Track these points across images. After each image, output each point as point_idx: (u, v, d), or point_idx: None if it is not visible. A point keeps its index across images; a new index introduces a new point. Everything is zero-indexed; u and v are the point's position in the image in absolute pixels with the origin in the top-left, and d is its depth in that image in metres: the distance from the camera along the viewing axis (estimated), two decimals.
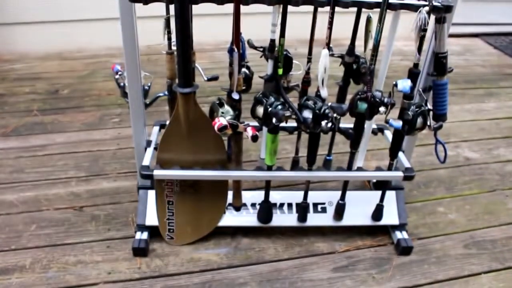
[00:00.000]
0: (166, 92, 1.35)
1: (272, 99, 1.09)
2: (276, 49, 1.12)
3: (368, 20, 1.22)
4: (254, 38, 1.26)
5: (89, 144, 1.85)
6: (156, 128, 1.46)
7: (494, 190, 1.73)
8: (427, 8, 1.07)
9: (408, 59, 2.66)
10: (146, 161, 1.27)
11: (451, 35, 2.49)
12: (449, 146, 1.97)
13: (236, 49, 1.07)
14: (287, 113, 1.06)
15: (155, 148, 1.33)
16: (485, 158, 1.93)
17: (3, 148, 1.82)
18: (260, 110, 1.10)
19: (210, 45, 2.76)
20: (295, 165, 1.43)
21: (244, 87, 1.23)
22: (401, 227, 1.41)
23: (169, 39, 1.26)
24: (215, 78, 1.36)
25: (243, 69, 1.25)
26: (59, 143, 1.86)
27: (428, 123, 1.19)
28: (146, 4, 1.02)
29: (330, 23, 1.08)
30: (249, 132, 1.07)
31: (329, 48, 1.16)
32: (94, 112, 2.08)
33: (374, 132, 1.51)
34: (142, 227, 1.35)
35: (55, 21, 2.70)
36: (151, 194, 1.34)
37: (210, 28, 2.47)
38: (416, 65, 1.16)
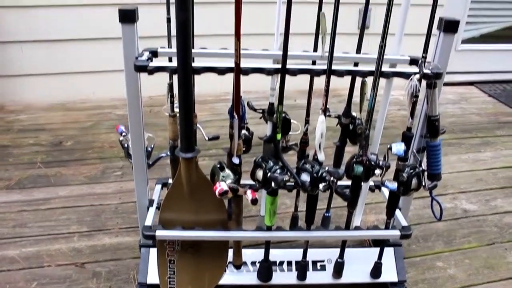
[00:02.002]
0: (168, 153, 1.39)
1: (271, 163, 1.13)
2: (275, 116, 1.16)
3: (363, 83, 1.28)
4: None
5: (92, 198, 1.87)
6: (158, 187, 1.49)
7: (493, 243, 1.74)
8: (418, 76, 1.13)
9: (405, 109, 2.72)
10: (149, 221, 1.29)
11: (446, 84, 2.57)
12: (446, 198, 2.00)
13: (236, 116, 1.11)
14: (286, 178, 1.10)
15: (157, 208, 1.36)
16: (483, 209, 1.95)
17: (6, 202, 1.84)
18: (259, 174, 1.14)
19: (211, 96, 2.84)
20: (294, 223, 1.46)
21: (244, 148, 1.28)
22: (400, 284, 1.42)
23: (172, 102, 1.31)
24: (216, 138, 1.41)
25: (243, 131, 1.30)
26: (62, 197, 1.88)
27: (423, 184, 1.22)
28: (150, 74, 1.08)
29: (326, 90, 1.13)
30: (249, 195, 1.10)
31: (326, 111, 1.21)
32: (97, 165, 2.12)
33: (372, 189, 1.54)
34: (143, 285, 1.36)
35: (60, 73, 2.78)
36: (153, 252, 1.36)
37: (211, 80, 2.54)
38: (409, 129, 1.20)
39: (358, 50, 1.30)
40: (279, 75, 1.12)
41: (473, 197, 2.03)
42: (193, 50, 1.09)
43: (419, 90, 1.13)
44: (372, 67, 1.12)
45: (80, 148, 2.28)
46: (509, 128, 2.79)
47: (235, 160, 1.15)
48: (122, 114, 2.62)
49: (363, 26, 1.31)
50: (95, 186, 1.96)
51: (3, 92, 2.78)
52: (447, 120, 2.81)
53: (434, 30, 1.15)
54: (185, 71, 1.01)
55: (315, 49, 1.26)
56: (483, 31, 3.53)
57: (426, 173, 1.23)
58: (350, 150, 1.35)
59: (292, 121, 1.36)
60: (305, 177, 1.13)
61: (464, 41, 3.47)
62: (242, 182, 1.19)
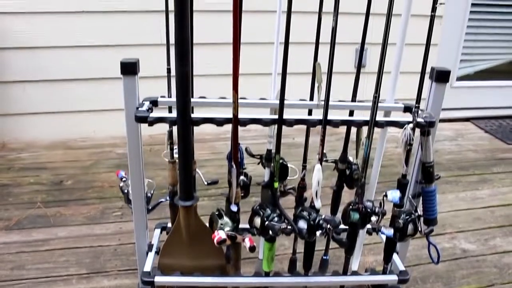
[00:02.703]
0: (168, 198, 1.41)
1: (268, 211, 1.15)
2: (272, 164, 1.18)
3: (359, 129, 1.31)
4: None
5: (91, 239, 1.88)
6: (158, 231, 1.50)
7: (493, 285, 1.74)
8: (411, 125, 1.16)
9: None
10: (148, 266, 1.30)
11: (443, 120, 2.60)
12: (445, 237, 2.00)
13: (234, 166, 1.13)
14: (283, 226, 1.11)
15: (157, 252, 1.37)
16: (482, 249, 1.95)
17: (5, 242, 1.84)
18: (257, 221, 1.16)
19: (210, 135, 2.87)
20: (292, 266, 1.46)
21: (242, 194, 1.30)
22: None
23: (171, 149, 1.33)
24: (214, 183, 1.43)
25: (241, 177, 1.32)
26: (61, 238, 1.89)
27: (419, 229, 1.24)
28: (151, 126, 1.11)
29: (322, 140, 1.15)
30: (247, 243, 1.11)
31: (322, 157, 1.23)
32: (97, 205, 2.13)
33: (369, 232, 1.55)
34: None
35: (61, 111, 2.83)
36: None
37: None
38: (404, 176, 1.23)
39: (354, 95, 1.33)
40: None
41: (472, 236, 2.04)
42: (192, 100, 1.13)
43: (413, 139, 1.16)
44: (367, 112, 1.15)
45: (80, 187, 2.30)
46: (506, 164, 2.81)
47: (233, 208, 1.17)
48: (122, 153, 2.65)
49: (359, 67, 1.33)
50: (95, 226, 1.97)
51: (5, 130, 2.81)
52: (444, 157, 2.84)
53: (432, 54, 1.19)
54: (185, 125, 1.04)
55: (311, 97, 1.30)
56: (477, 68, 3.60)
57: (422, 218, 1.25)
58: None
59: (289, 166, 1.38)
60: (302, 225, 1.14)
61: (459, 78, 3.54)
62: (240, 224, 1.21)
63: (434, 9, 1.06)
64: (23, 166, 2.53)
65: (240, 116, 1.10)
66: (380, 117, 1.21)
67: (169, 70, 1.28)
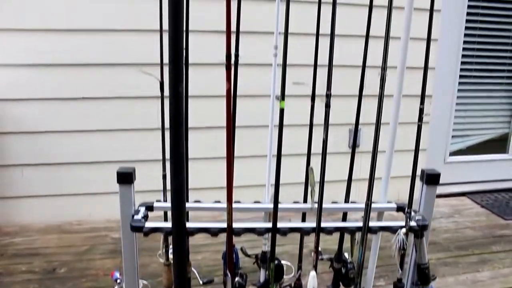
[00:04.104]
0: None
1: None
2: (267, 272, 1.18)
3: (353, 235, 1.32)
4: None
5: None
6: None
7: None
8: (404, 230, 1.17)
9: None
10: None
11: (438, 196, 2.59)
12: None
13: (229, 274, 1.13)
14: None
15: None
16: None
17: None
18: None
19: (207, 218, 2.86)
20: None
21: None
22: None
23: (167, 252, 1.33)
24: (210, 281, 1.41)
25: (237, 278, 1.31)
26: None
27: None
28: (146, 236, 1.11)
29: (316, 247, 1.16)
30: None
31: (318, 254, 1.23)
32: None
33: None
34: None
35: (57, 194, 2.83)
36: None
37: (207, 197, 2.61)
38: (399, 280, 1.22)
39: (348, 195, 1.35)
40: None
41: None
42: (187, 205, 1.14)
43: (406, 244, 1.17)
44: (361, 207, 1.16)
45: (73, 276, 2.25)
46: (505, 242, 2.79)
47: None
48: (118, 237, 2.62)
49: (351, 170, 1.37)
50: None
51: (0, 213, 2.80)
52: (442, 236, 2.82)
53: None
54: (180, 235, 1.05)
55: (305, 199, 1.32)
56: (469, 144, 3.67)
57: None
58: None
59: (284, 264, 1.37)
60: None
61: (452, 153, 3.59)
62: None
63: (420, 119, 1.10)
64: (16, 252, 2.49)
65: (234, 219, 1.11)
66: (373, 221, 1.22)
67: (164, 176, 1.30)
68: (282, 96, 0.95)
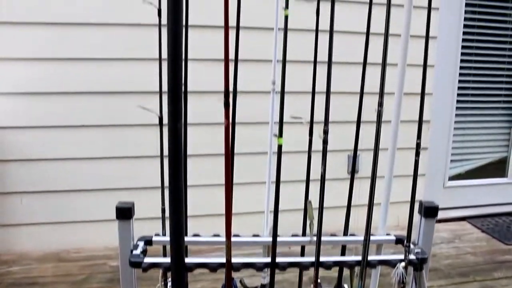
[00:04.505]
0: None
1: None
2: None
3: (352, 270, 1.31)
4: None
5: None
6: None
7: None
8: (403, 264, 1.16)
9: None
10: None
11: (438, 221, 2.57)
12: None
13: None
14: None
15: None
16: None
17: None
18: None
19: (205, 246, 2.84)
20: None
21: None
22: None
23: (165, 285, 1.32)
24: None
25: None
26: None
27: None
28: (145, 272, 1.11)
29: (315, 281, 1.15)
30: None
31: (318, 286, 1.22)
32: None
33: None
34: None
35: (56, 222, 2.82)
36: None
37: (204, 225, 2.60)
38: None
39: (346, 227, 1.35)
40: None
41: None
42: (186, 239, 1.14)
43: (405, 278, 1.16)
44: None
45: None
46: (507, 268, 2.76)
47: None
48: (116, 265, 2.60)
49: (348, 209, 1.38)
50: None
51: None
52: (443, 263, 2.80)
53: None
54: (179, 271, 1.04)
55: (304, 232, 1.32)
56: (467, 168, 3.68)
57: None
58: None
59: None
60: None
61: (451, 178, 3.60)
62: None
63: (417, 153, 1.11)
64: (13, 282, 2.46)
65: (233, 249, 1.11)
66: (372, 254, 1.22)
67: (163, 210, 1.30)
68: (280, 133, 0.97)
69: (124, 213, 1.13)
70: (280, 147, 0.99)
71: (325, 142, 1.04)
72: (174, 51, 0.88)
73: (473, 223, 3.48)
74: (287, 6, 0.97)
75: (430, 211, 1.22)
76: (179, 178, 1.02)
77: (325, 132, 1.04)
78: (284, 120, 1.03)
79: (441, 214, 3.46)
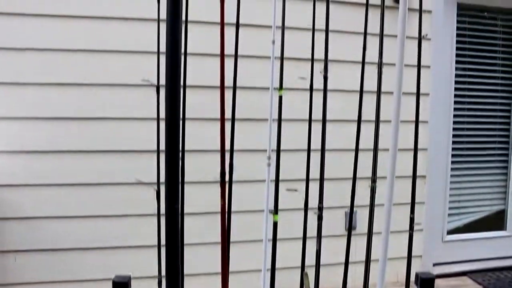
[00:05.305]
0: None
1: None
2: None
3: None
4: None
5: None
6: None
7: None
8: None
9: None
10: None
11: (438, 276, 2.53)
12: None
13: None
14: None
15: None
16: None
17: None
18: None
19: None
20: None
21: None
22: None
23: None
24: None
25: None
26: None
27: None
28: None
29: None
30: None
31: None
32: None
33: None
34: None
35: (50, 281, 2.76)
36: None
37: (199, 258, 2.58)
38: None
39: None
40: None
41: None
42: None
43: None
44: None
45: None
46: None
47: None
48: None
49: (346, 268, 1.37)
50: None
51: None
52: None
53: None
54: None
55: None
56: (466, 221, 3.67)
57: None
58: None
59: None
60: None
61: (450, 232, 3.58)
62: None
63: (412, 227, 1.12)
64: None
65: None
66: None
67: (159, 282, 1.30)
68: (276, 210, 0.98)
69: (121, 287, 1.12)
70: (275, 224, 1.00)
71: (319, 218, 1.05)
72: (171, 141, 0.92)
73: (474, 278, 3.43)
74: (281, 87, 1.01)
75: (426, 283, 1.21)
76: (176, 256, 1.02)
77: (320, 209, 1.06)
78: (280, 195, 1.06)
79: (441, 269, 3.44)
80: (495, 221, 3.77)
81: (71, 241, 2.76)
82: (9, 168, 2.68)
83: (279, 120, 1.00)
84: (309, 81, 1.50)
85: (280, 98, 1.03)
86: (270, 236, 1.10)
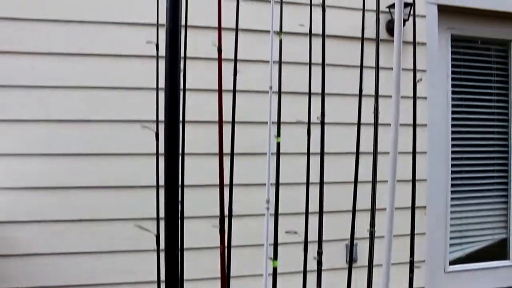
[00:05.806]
0: None
1: None
2: None
3: None
4: None
5: None
6: None
7: None
8: None
9: None
10: None
11: None
12: None
13: None
14: None
15: None
16: None
17: None
18: None
19: None
20: None
21: None
22: None
23: None
24: None
25: None
26: None
27: None
28: None
29: None
30: None
31: None
32: None
33: None
34: None
35: None
36: None
37: None
38: None
39: None
40: None
41: None
42: None
43: None
44: None
45: None
46: None
47: None
48: None
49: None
50: None
51: None
52: None
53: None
54: None
55: None
56: (467, 251, 3.64)
57: None
58: None
59: None
60: None
61: (452, 262, 3.54)
62: None
63: (412, 270, 1.11)
64: None
65: None
66: None
67: None
68: (275, 256, 0.97)
69: None
70: (275, 269, 0.99)
71: (319, 263, 1.04)
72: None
73: None
74: (278, 134, 1.02)
75: None
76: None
77: (319, 254, 1.05)
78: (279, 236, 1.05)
79: None
80: (498, 250, 3.74)
81: (71, 277, 2.72)
82: (7, 204, 2.66)
83: (277, 165, 1.01)
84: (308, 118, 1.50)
85: (278, 144, 1.03)
86: (270, 283, 1.08)
